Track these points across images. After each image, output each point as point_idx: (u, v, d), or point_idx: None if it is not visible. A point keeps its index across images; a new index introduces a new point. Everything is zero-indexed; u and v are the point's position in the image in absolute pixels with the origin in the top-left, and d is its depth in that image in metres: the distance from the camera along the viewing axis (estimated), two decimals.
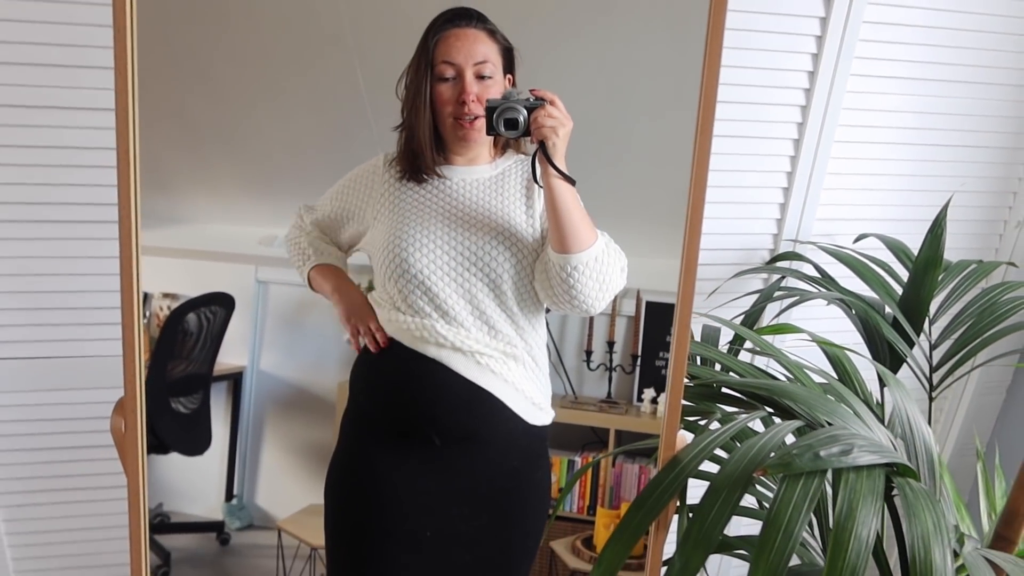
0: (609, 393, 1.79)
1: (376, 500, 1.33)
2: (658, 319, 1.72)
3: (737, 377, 1.16)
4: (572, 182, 1.22)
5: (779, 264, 1.72)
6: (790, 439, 0.94)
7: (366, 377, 1.35)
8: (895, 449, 1.02)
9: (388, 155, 1.36)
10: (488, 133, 1.23)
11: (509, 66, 1.31)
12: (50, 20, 1.42)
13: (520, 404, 1.29)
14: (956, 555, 0.92)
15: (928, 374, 1.49)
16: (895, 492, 0.95)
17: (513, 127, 1.22)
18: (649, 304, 1.73)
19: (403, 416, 1.30)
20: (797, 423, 0.97)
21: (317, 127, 1.77)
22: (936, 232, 1.49)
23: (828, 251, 1.65)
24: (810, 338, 1.29)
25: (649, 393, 1.74)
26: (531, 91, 1.23)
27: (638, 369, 1.75)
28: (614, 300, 1.73)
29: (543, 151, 1.20)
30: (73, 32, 1.44)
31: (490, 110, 1.22)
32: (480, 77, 1.26)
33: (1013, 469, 1.19)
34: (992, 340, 1.45)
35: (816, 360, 1.40)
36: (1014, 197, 1.90)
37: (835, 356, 1.20)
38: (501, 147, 1.35)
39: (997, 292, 1.53)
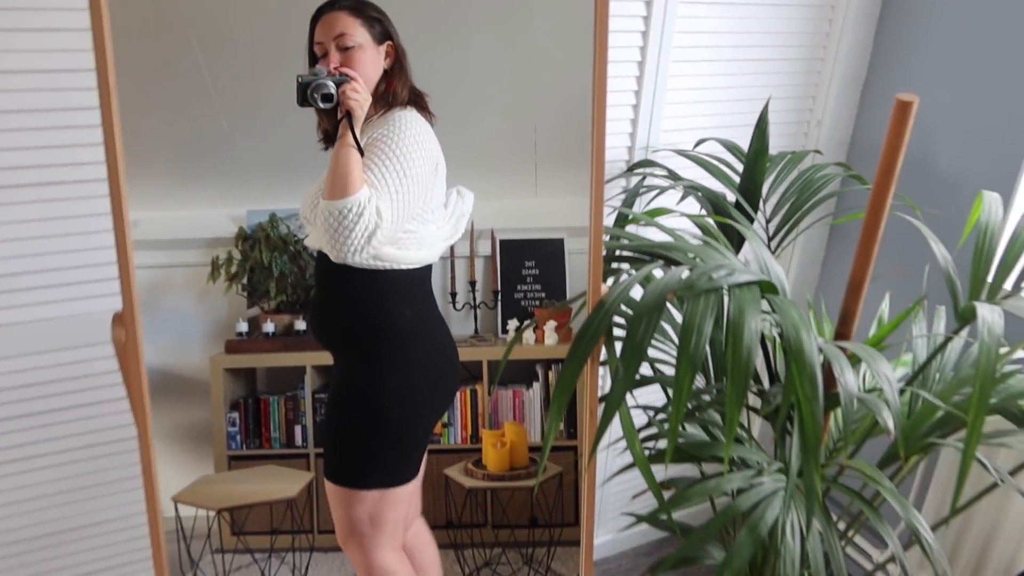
0: (476, 329, 1.90)
1: None
2: (513, 255, 1.87)
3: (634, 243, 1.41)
4: (362, 153, 1.36)
5: (637, 171, 1.97)
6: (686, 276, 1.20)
7: None
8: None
9: None
10: (300, 104, 1.34)
11: (385, 34, 1.44)
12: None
13: None
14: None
15: (767, 242, 1.82)
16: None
17: (328, 100, 1.33)
18: (503, 242, 1.87)
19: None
20: (689, 265, 1.23)
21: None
22: (761, 127, 1.74)
23: (679, 153, 1.92)
24: (681, 215, 1.56)
25: (512, 323, 1.88)
26: (335, 68, 1.36)
27: (500, 303, 1.89)
28: (471, 241, 1.90)
29: (348, 120, 1.34)
30: None
31: (303, 85, 1.31)
32: (343, 49, 1.39)
33: (836, 313, 1.50)
34: (812, 209, 1.78)
35: None
36: (813, 100, 2.28)
37: (702, 224, 1.48)
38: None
39: (810, 172, 1.85)
